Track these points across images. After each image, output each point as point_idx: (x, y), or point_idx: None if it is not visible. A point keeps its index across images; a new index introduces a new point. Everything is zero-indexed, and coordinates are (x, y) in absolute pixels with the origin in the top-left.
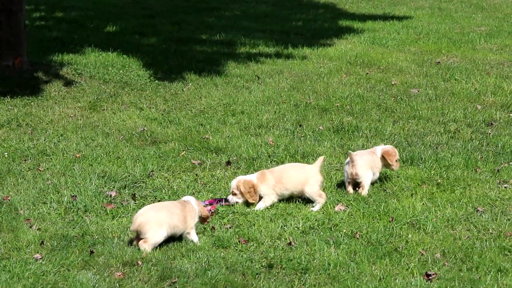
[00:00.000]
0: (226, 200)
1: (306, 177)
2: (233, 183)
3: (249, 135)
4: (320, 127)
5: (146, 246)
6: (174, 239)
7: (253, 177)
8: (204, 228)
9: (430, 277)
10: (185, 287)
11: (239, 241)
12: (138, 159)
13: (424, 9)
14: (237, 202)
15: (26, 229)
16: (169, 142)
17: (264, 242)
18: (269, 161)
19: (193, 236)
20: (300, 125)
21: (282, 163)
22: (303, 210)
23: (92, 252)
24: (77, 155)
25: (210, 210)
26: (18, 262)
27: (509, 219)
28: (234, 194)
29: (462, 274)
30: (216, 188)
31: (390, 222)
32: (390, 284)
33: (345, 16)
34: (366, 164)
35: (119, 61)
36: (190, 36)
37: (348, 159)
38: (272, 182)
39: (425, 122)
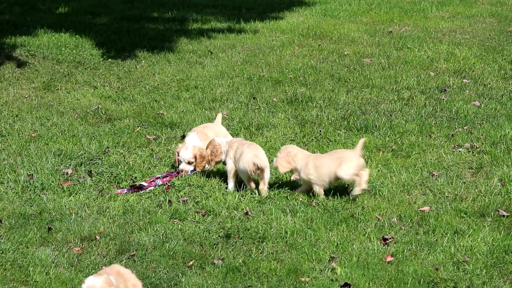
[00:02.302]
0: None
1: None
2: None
3: (203, 109)
4: (274, 99)
5: None
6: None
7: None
8: (161, 202)
9: (387, 241)
10: (143, 260)
11: (196, 213)
12: (93, 137)
13: None
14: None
15: None
16: (124, 119)
17: (221, 213)
18: None
19: None
20: (254, 98)
21: (237, 135)
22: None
23: (50, 229)
24: (33, 135)
25: (166, 183)
26: None
27: (464, 182)
28: None
29: (419, 237)
30: (171, 162)
31: (345, 188)
32: (348, 250)
33: None
34: None
35: (72, 41)
36: (142, 14)
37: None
38: None
39: (379, 90)
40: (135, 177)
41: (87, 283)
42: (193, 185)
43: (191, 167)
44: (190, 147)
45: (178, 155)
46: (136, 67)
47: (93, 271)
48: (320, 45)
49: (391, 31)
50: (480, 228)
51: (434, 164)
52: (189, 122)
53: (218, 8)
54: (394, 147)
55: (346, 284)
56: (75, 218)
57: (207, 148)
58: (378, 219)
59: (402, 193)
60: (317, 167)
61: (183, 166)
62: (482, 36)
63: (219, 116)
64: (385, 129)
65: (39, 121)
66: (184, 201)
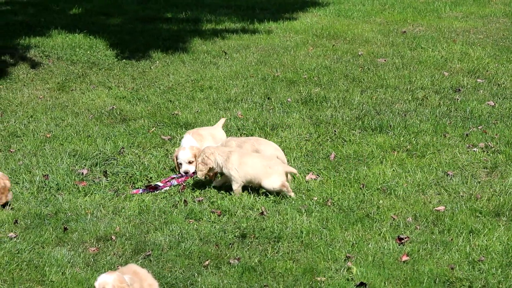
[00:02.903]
0: None
1: None
2: None
3: (218, 109)
4: (289, 99)
5: None
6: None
7: None
8: (177, 202)
9: (403, 241)
10: (159, 259)
11: (212, 213)
12: (108, 137)
13: None
14: None
15: None
16: (139, 119)
17: (236, 213)
18: (239, 134)
19: None
20: (268, 98)
21: (252, 135)
22: None
23: (66, 229)
24: (48, 135)
25: (181, 183)
26: None
27: (479, 182)
28: None
29: (434, 236)
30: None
31: (361, 188)
32: (363, 249)
33: None
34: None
35: (86, 42)
36: (155, 15)
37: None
38: None
39: (393, 90)
40: (151, 177)
41: (99, 280)
42: (208, 185)
43: (192, 167)
44: (188, 147)
45: (177, 159)
46: (150, 68)
47: (109, 270)
48: (334, 45)
49: (404, 31)
50: (495, 228)
51: (449, 163)
52: (203, 123)
53: (231, 8)
54: (408, 147)
55: (362, 283)
56: (90, 218)
57: (198, 156)
58: (394, 218)
59: (417, 193)
60: (242, 164)
61: (185, 167)
62: (495, 36)
63: (222, 120)
64: (400, 129)
65: (54, 122)
66: (199, 201)
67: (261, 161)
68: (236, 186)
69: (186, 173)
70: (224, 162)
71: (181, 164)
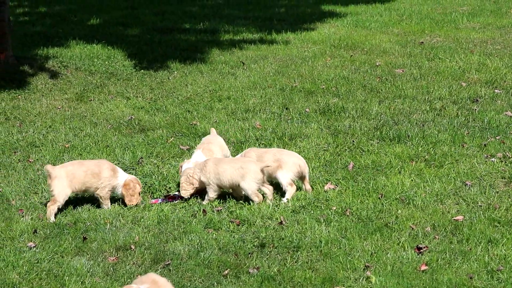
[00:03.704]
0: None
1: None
2: None
3: (236, 120)
4: (307, 109)
5: None
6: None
7: None
8: (196, 211)
9: (421, 250)
10: (179, 269)
11: (231, 222)
12: (127, 147)
13: None
14: None
15: (19, 218)
16: (157, 130)
17: (255, 222)
18: (257, 144)
19: None
20: (286, 108)
21: (270, 146)
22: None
23: (85, 238)
24: (66, 146)
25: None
26: (12, 251)
27: (497, 192)
28: None
29: (452, 246)
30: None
31: (379, 198)
32: (382, 259)
33: (328, 1)
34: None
35: (104, 52)
36: (173, 26)
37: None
38: None
39: (411, 100)
40: (169, 187)
41: None
42: (228, 195)
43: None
44: (192, 162)
45: (181, 169)
46: (168, 78)
47: (129, 280)
48: (352, 55)
49: (422, 42)
50: None
51: (467, 173)
52: (222, 133)
53: (249, 19)
54: (427, 157)
55: None
56: (110, 227)
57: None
58: (412, 228)
59: (435, 203)
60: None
61: None
62: None
63: (213, 130)
64: (418, 139)
65: (72, 132)
66: (218, 210)
67: (232, 165)
68: (212, 194)
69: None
70: (201, 172)
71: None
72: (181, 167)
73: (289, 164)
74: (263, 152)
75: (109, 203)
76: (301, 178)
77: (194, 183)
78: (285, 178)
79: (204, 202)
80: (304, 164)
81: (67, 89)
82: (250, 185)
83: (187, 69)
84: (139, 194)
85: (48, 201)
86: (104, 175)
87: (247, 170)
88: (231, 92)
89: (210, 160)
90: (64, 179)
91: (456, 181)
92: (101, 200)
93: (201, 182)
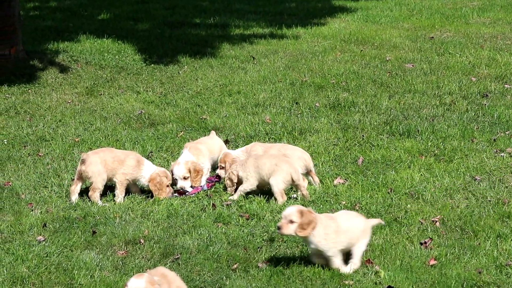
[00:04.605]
0: None
1: None
2: None
3: (246, 114)
4: (317, 104)
5: None
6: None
7: None
8: (205, 205)
9: (430, 245)
10: (188, 263)
11: (240, 216)
12: (136, 141)
13: None
14: None
15: (28, 212)
16: (167, 124)
17: (264, 217)
18: (267, 139)
19: None
20: (296, 103)
21: (280, 140)
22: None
23: (94, 232)
24: (76, 140)
25: (210, 188)
26: (21, 244)
27: (506, 187)
28: None
29: (462, 241)
30: (215, 165)
31: (389, 193)
32: (391, 253)
33: None
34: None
35: (114, 47)
36: (183, 20)
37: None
38: None
39: (421, 95)
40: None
41: (130, 285)
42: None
43: (188, 182)
44: (182, 163)
45: (172, 174)
46: (178, 73)
47: (138, 274)
48: (362, 50)
49: (432, 37)
50: None
51: (476, 168)
52: (232, 127)
53: (260, 14)
54: (436, 151)
55: (389, 287)
56: (119, 221)
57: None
58: (421, 223)
59: (444, 197)
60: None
61: (180, 183)
62: None
63: (213, 132)
64: (428, 133)
65: (82, 126)
66: (227, 205)
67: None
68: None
69: (181, 189)
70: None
71: (176, 180)
72: (171, 171)
73: (294, 159)
74: (268, 147)
75: (123, 195)
76: (307, 172)
77: (233, 179)
78: None
79: (235, 197)
80: (309, 158)
81: (77, 83)
82: (278, 183)
83: (197, 64)
84: (168, 186)
85: (89, 191)
86: (128, 163)
87: (279, 168)
88: (241, 87)
89: (251, 156)
90: (99, 165)
91: (465, 175)
92: (117, 186)
93: (239, 177)
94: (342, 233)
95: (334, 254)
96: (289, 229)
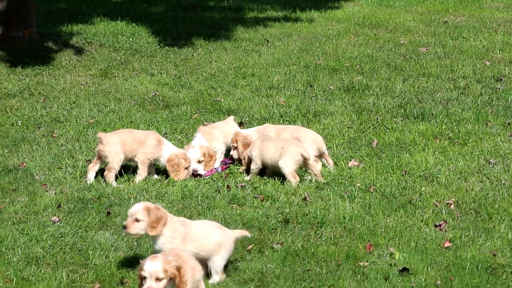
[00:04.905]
0: None
1: None
2: None
3: (261, 96)
4: (331, 87)
5: None
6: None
7: None
8: (220, 187)
9: (445, 227)
10: None
11: (255, 198)
12: (151, 123)
13: None
14: None
15: (43, 193)
16: (181, 106)
17: (279, 198)
18: (281, 121)
19: None
20: (310, 86)
21: (294, 123)
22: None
23: (109, 213)
24: (91, 121)
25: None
26: (36, 225)
27: None
28: None
29: (476, 223)
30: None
31: (403, 175)
32: (406, 235)
33: None
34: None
35: (128, 29)
36: (197, 3)
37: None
38: None
39: (435, 79)
40: None
41: (146, 268)
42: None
43: (201, 166)
44: (198, 146)
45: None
46: (192, 55)
47: (152, 254)
48: (376, 34)
49: (446, 21)
50: None
51: (491, 151)
52: (246, 109)
53: None
54: (450, 135)
55: (404, 269)
56: (134, 202)
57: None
58: (436, 205)
59: (459, 180)
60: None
61: (194, 166)
62: None
63: (231, 117)
64: (442, 117)
65: (96, 108)
66: (242, 186)
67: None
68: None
69: (195, 171)
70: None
71: (190, 163)
72: (186, 155)
73: (307, 141)
74: (281, 129)
75: (145, 173)
76: (321, 154)
77: (245, 159)
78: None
79: (248, 178)
80: (321, 141)
81: (91, 65)
82: (288, 165)
83: (211, 46)
84: (186, 169)
85: (104, 171)
86: (149, 143)
87: (286, 151)
88: (255, 69)
89: (259, 138)
90: (117, 145)
91: (479, 159)
92: (139, 165)
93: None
94: (191, 241)
95: None
96: (136, 228)
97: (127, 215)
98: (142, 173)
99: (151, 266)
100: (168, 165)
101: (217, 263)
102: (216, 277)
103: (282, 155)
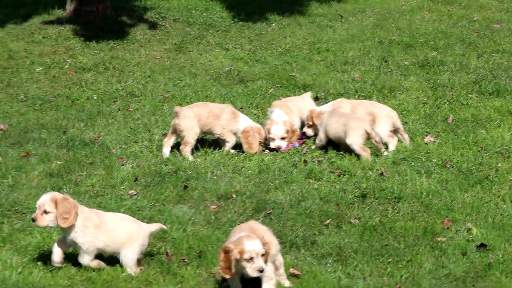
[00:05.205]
0: None
1: None
2: None
3: (336, 72)
4: (405, 63)
5: None
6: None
7: None
8: (296, 161)
9: None
10: (280, 218)
11: (332, 173)
12: (226, 97)
13: None
14: None
15: (119, 167)
16: (256, 80)
17: (356, 173)
18: (357, 96)
19: None
20: (385, 61)
21: (370, 98)
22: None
23: (186, 187)
24: (166, 95)
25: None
26: (113, 198)
27: None
28: None
29: None
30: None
31: (479, 151)
32: (483, 211)
33: None
34: None
35: (201, 4)
36: None
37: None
38: None
39: (509, 55)
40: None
41: (247, 248)
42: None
43: (284, 142)
44: (281, 123)
45: (269, 133)
46: (267, 30)
47: (230, 228)
48: (449, 10)
49: None
50: None
51: None
52: (321, 84)
53: None
54: None
55: (482, 244)
56: (210, 176)
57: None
58: None
59: None
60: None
61: (278, 143)
62: None
63: (308, 94)
64: None
65: (171, 82)
66: (319, 161)
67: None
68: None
69: (278, 148)
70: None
71: (273, 139)
72: (268, 130)
73: (382, 117)
74: (356, 104)
75: (232, 139)
76: (396, 130)
77: (309, 134)
78: (384, 131)
79: (313, 147)
80: (396, 116)
81: (166, 40)
82: (355, 141)
83: (285, 22)
84: (260, 144)
85: (180, 145)
86: (224, 117)
87: (349, 127)
88: (330, 45)
89: (326, 112)
90: (193, 119)
91: None
92: (222, 137)
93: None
94: (104, 232)
95: (88, 251)
96: (45, 221)
97: (36, 207)
98: (229, 140)
99: (255, 246)
100: (242, 136)
101: (128, 257)
102: (129, 270)
103: (346, 132)
